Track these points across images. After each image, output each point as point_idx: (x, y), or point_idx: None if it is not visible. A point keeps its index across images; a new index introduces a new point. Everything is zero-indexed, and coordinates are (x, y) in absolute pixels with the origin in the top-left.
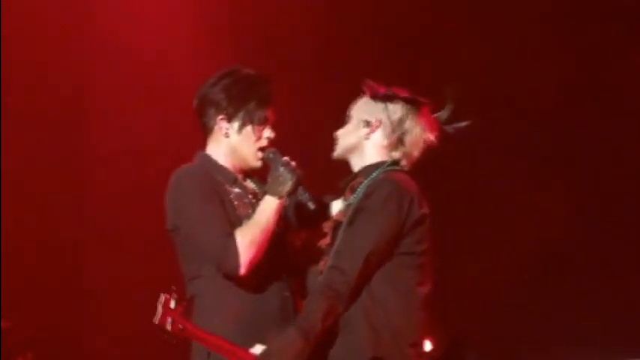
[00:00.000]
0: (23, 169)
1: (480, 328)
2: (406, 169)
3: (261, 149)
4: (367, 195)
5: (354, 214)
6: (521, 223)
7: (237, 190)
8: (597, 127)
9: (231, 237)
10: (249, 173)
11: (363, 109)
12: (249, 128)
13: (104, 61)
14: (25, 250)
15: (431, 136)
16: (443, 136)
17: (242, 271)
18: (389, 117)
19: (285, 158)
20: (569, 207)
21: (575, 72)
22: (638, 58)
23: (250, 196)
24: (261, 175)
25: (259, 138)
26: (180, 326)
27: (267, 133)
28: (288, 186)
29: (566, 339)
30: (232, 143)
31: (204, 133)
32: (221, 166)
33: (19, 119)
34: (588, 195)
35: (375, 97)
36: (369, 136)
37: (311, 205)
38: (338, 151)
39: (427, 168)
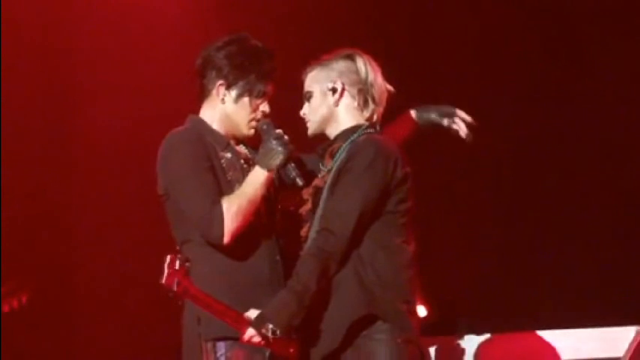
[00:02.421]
0: (12, 152)
1: (472, 295)
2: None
3: (255, 120)
4: (350, 157)
5: (338, 176)
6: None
7: (228, 155)
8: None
9: (217, 205)
10: (241, 140)
11: (319, 79)
12: (246, 99)
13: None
14: (18, 205)
15: (388, 85)
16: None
17: (226, 239)
18: (350, 76)
19: (279, 131)
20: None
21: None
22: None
23: (242, 161)
24: (253, 143)
25: (255, 110)
26: (183, 287)
27: (264, 107)
28: (278, 159)
29: (557, 304)
30: (227, 110)
31: (201, 94)
32: (214, 130)
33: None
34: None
35: (330, 62)
36: (339, 101)
37: (299, 182)
38: (312, 128)
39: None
